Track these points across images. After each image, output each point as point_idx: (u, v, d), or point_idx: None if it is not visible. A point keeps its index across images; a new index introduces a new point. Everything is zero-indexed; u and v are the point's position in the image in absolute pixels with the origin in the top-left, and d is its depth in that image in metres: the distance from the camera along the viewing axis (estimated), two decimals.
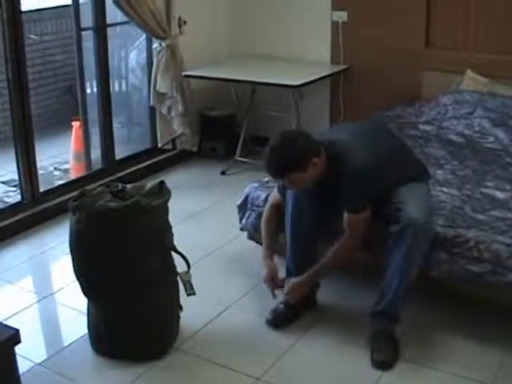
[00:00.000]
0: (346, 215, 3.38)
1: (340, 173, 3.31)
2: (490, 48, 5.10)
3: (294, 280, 3.57)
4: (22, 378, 2.82)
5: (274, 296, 3.64)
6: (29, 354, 3.31)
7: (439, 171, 4.13)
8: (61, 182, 5.48)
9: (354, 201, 3.37)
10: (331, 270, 3.56)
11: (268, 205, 3.75)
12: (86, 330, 3.48)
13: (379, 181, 3.39)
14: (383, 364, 3.29)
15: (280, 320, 3.64)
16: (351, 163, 3.30)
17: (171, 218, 3.41)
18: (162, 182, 3.39)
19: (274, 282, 3.63)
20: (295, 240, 3.62)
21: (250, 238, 4.20)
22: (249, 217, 4.02)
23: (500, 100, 4.80)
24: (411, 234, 3.24)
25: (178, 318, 3.52)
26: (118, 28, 6.29)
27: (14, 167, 4.95)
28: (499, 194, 3.85)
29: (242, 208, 4.09)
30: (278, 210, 3.68)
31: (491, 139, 4.59)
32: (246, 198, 4.06)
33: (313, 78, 5.36)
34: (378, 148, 3.47)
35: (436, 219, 3.50)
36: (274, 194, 3.72)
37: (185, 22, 5.71)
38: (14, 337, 2.65)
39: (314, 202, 3.50)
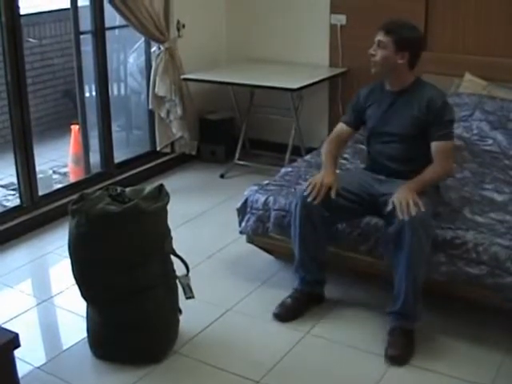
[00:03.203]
0: (435, 145, 3.53)
1: (428, 97, 3.55)
2: (488, 51, 5.10)
3: (402, 187, 3.42)
4: (22, 382, 2.81)
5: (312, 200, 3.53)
6: (28, 357, 3.32)
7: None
8: (60, 186, 5.47)
9: (447, 127, 3.56)
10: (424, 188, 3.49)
11: (332, 134, 3.90)
12: (85, 334, 3.48)
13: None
14: (394, 359, 3.33)
15: (287, 314, 3.68)
16: (441, 93, 3.64)
17: (170, 222, 3.41)
18: (161, 186, 3.40)
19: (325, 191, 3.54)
20: (306, 247, 3.64)
21: (250, 241, 4.20)
22: (248, 220, 4.02)
23: (499, 103, 4.79)
24: (410, 232, 3.26)
25: (178, 321, 3.52)
26: (116, 31, 6.30)
27: (12, 171, 4.95)
28: (498, 197, 3.86)
29: (242, 211, 4.09)
30: (342, 140, 3.89)
31: (490, 142, 4.59)
32: (245, 201, 4.05)
33: (311, 81, 5.36)
34: None
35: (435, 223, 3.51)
36: (341, 126, 3.89)
37: (183, 26, 5.72)
38: (14, 340, 2.65)
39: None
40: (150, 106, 5.69)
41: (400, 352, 3.34)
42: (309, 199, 3.50)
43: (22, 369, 3.00)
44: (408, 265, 3.30)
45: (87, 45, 5.35)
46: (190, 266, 3.47)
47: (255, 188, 4.10)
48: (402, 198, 3.33)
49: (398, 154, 3.64)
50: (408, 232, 3.25)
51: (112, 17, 5.53)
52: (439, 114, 3.52)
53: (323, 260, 3.71)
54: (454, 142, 3.65)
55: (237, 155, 5.91)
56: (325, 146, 3.82)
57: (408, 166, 3.59)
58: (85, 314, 3.46)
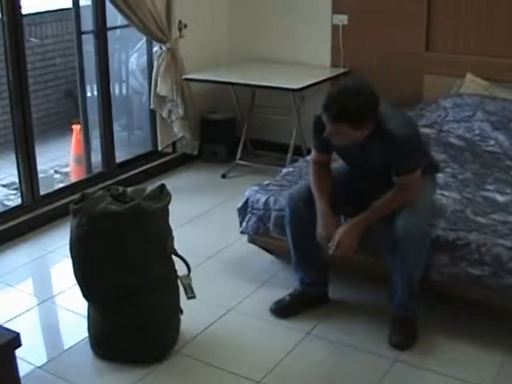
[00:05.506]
0: (397, 178, 3.36)
1: (387, 139, 3.26)
2: (490, 51, 5.10)
3: (339, 231, 3.40)
4: (23, 382, 2.81)
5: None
6: (29, 357, 3.31)
7: (440, 175, 4.12)
8: (61, 185, 5.47)
9: (407, 162, 3.34)
10: (380, 218, 3.43)
11: (312, 167, 3.62)
12: (86, 334, 3.48)
13: (423, 147, 3.53)
14: (399, 345, 3.40)
15: (283, 311, 3.71)
16: (403, 127, 3.30)
17: (172, 222, 3.41)
18: (163, 186, 3.39)
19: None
20: (299, 250, 3.68)
21: (251, 241, 4.20)
22: (249, 220, 4.02)
23: (500, 103, 4.79)
24: (406, 242, 3.29)
25: (179, 321, 3.52)
26: (118, 31, 6.30)
27: (14, 170, 4.95)
28: (500, 198, 3.85)
29: (242, 211, 4.09)
30: (325, 166, 3.61)
31: (491, 142, 4.59)
32: (246, 201, 4.05)
33: (313, 82, 5.36)
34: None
35: (437, 222, 3.52)
36: (316, 155, 3.62)
37: (185, 26, 5.71)
38: (15, 340, 2.64)
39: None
40: (152, 106, 5.69)
41: (403, 337, 3.42)
42: (330, 252, 3.45)
43: (23, 368, 2.99)
44: (403, 270, 3.38)
45: (89, 44, 5.35)
46: (191, 266, 3.46)
47: (256, 188, 4.10)
48: (340, 236, 3.38)
49: (376, 184, 3.51)
50: (404, 241, 3.29)
51: (114, 17, 5.53)
52: (400, 151, 3.28)
53: (320, 261, 3.70)
54: (419, 171, 3.38)
55: (238, 155, 5.91)
56: (312, 184, 3.57)
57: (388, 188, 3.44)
58: (86, 314, 3.45)
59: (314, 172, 3.60)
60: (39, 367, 3.34)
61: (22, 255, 4.52)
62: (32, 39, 6.89)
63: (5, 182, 5.92)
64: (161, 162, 5.95)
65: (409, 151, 3.32)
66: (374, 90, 3.25)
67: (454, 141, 4.68)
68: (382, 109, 3.29)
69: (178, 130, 5.73)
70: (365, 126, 3.22)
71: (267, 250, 4.24)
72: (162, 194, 3.37)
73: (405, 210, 3.34)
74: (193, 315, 3.60)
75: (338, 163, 3.74)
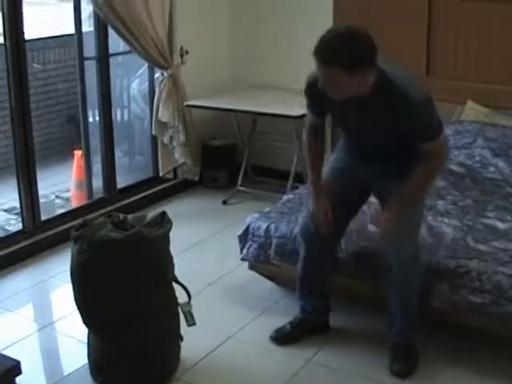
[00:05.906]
0: (424, 147, 3.13)
1: (401, 104, 3.04)
2: (490, 78, 5.11)
3: (384, 218, 3.30)
4: None
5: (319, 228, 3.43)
6: (29, 383, 3.29)
7: (440, 201, 4.13)
8: (62, 211, 5.47)
9: (431, 128, 3.14)
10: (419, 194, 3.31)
11: (307, 129, 3.52)
12: (86, 360, 3.47)
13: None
14: (400, 373, 3.39)
15: (283, 339, 3.69)
16: (416, 95, 3.09)
17: (172, 248, 3.40)
18: (164, 213, 3.40)
19: (326, 220, 3.42)
20: (306, 280, 3.68)
21: (251, 268, 4.19)
22: (250, 247, 4.02)
23: (501, 130, 4.80)
24: (397, 268, 3.33)
25: (179, 348, 3.51)
26: (120, 57, 6.33)
27: (15, 195, 4.96)
28: (500, 225, 3.85)
29: (243, 238, 4.09)
30: (319, 129, 3.47)
31: (492, 169, 4.59)
32: (247, 228, 4.06)
33: None
34: None
35: (436, 249, 3.54)
36: (310, 118, 3.47)
37: (187, 52, 5.74)
38: (15, 368, 2.65)
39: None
40: (153, 132, 5.70)
41: (403, 365, 3.42)
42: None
43: None
44: (399, 297, 3.42)
45: (91, 70, 5.38)
46: (192, 293, 3.46)
47: (257, 215, 4.10)
48: (386, 226, 3.30)
49: (380, 153, 3.31)
50: (396, 266, 3.33)
51: (116, 43, 5.56)
52: (420, 120, 3.09)
53: (323, 290, 3.71)
54: (443, 138, 3.24)
55: (239, 181, 5.91)
56: (307, 149, 3.52)
57: (395, 158, 3.29)
58: (86, 340, 3.45)
59: (308, 135, 3.51)
60: None
61: (22, 280, 4.51)
62: (35, 65, 6.92)
63: (6, 206, 5.93)
64: (162, 187, 5.95)
65: (431, 119, 3.16)
66: (370, 36, 3.03)
67: (454, 168, 4.68)
68: (384, 65, 3.11)
69: (179, 155, 5.74)
70: (362, 72, 2.95)
71: (268, 277, 4.24)
72: (163, 220, 3.37)
73: (395, 236, 3.30)
74: (193, 342, 3.59)
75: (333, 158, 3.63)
